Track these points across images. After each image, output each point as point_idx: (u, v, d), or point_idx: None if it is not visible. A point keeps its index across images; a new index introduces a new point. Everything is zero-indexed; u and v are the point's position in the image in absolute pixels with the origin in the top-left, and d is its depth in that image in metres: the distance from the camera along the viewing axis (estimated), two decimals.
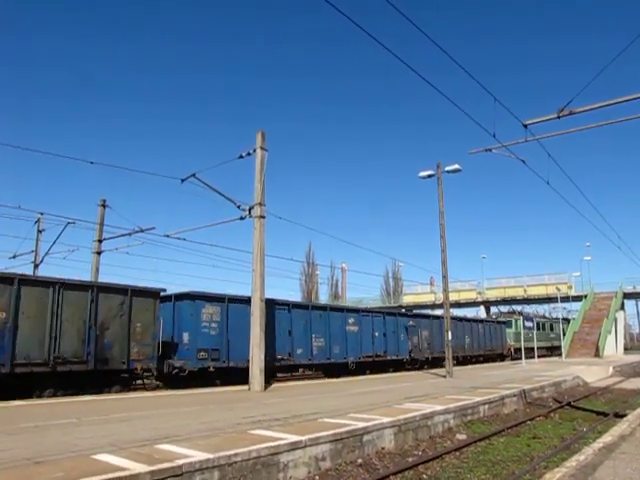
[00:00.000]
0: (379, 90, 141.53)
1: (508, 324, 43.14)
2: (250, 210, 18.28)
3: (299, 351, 22.45)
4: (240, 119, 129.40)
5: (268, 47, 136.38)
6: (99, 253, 24.92)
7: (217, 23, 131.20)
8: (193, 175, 18.86)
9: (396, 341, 28.73)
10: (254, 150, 18.61)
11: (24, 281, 14.66)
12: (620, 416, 12.33)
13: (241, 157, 18.86)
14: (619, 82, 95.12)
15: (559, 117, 11.62)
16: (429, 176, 22.19)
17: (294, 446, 7.60)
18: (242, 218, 18.56)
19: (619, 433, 8.85)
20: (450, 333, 22.18)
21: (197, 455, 6.53)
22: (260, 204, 18.10)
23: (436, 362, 30.41)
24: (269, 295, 19.21)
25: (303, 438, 7.82)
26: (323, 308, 25.02)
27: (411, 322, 30.39)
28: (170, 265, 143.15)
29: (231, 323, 19.46)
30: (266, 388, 17.24)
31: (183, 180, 19.13)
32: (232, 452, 6.78)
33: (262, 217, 18.07)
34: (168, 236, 21.32)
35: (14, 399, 13.40)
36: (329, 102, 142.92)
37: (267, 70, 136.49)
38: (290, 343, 22.06)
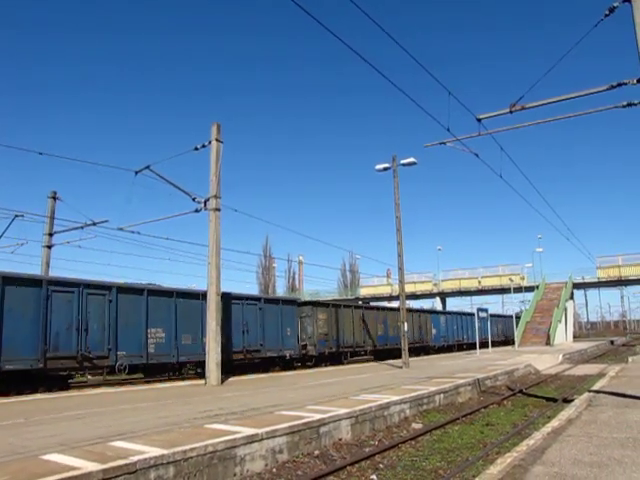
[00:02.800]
0: (335, 82, 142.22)
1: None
2: (205, 203, 18.11)
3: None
4: (197, 113, 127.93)
5: (224, 40, 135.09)
6: (49, 247, 24.27)
7: (172, 16, 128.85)
8: (147, 167, 18.54)
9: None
10: (209, 142, 18.42)
11: None
12: (568, 401, 12.77)
13: (196, 149, 18.64)
14: (572, 76, 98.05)
15: (511, 112, 11.88)
16: (385, 169, 22.38)
17: (251, 439, 7.60)
18: (197, 211, 18.38)
19: (566, 417, 9.17)
20: (406, 324, 22.50)
21: (152, 451, 6.46)
22: (216, 197, 17.94)
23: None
24: (225, 289, 19.10)
25: (260, 431, 7.82)
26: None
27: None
28: (124, 259, 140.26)
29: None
30: (223, 382, 17.16)
31: (137, 172, 18.80)
32: (188, 447, 6.74)
33: (217, 210, 17.93)
34: (121, 229, 20.90)
35: None
36: (285, 95, 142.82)
37: (224, 63, 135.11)
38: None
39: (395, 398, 11.62)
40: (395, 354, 29.26)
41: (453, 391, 14.35)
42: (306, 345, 25.39)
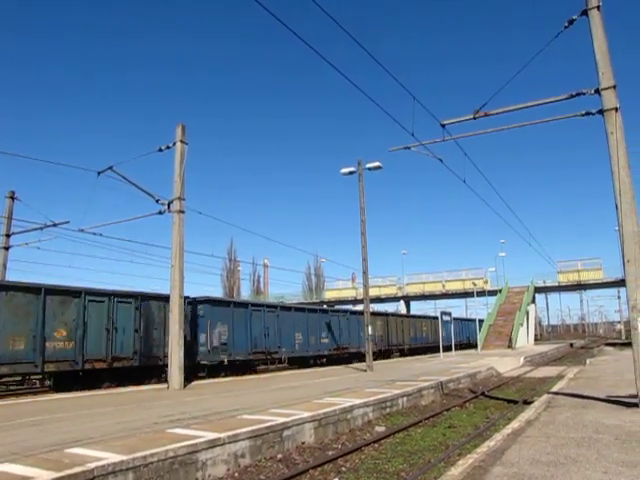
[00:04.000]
0: (300, 85, 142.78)
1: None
2: (169, 205, 17.93)
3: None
4: (162, 116, 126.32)
5: (189, 42, 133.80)
6: (7, 248, 23.67)
7: (137, 17, 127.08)
8: (110, 168, 18.26)
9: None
10: (174, 143, 18.25)
11: None
12: (528, 403, 13.03)
13: (160, 150, 18.45)
14: (536, 82, 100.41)
15: (475, 118, 12.13)
16: (350, 173, 22.53)
17: (213, 444, 7.54)
18: (161, 213, 18.19)
19: (526, 419, 9.37)
20: (370, 328, 22.64)
21: (111, 457, 6.35)
22: (180, 198, 17.78)
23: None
24: (189, 292, 18.94)
25: (222, 435, 7.77)
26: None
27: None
28: (85, 261, 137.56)
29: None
30: (186, 386, 16.98)
31: (100, 173, 18.49)
32: (148, 452, 6.64)
33: (181, 212, 17.76)
34: (83, 230, 20.52)
35: None
36: (251, 97, 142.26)
37: (189, 65, 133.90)
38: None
39: (358, 401, 11.67)
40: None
41: (416, 394, 14.50)
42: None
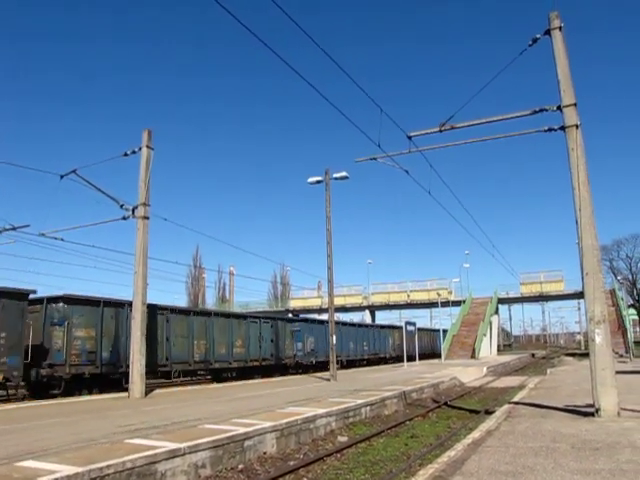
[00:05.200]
0: (267, 93, 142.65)
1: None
2: (134, 210, 17.71)
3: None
4: (128, 119, 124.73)
5: (156, 48, 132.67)
6: None
7: (101, 23, 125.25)
8: (74, 171, 17.94)
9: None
10: (140, 148, 18.06)
11: None
12: (490, 413, 13.22)
13: (126, 155, 18.24)
14: (503, 94, 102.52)
15: (441, 131, 12.30)
16: (317, 182, 22.64)
17: (172, 454, 7.44)
18: (125, 218, 17.94)
19: (486, 429, 9.50)
20: (334, 337, 22.70)
21: (64, 470, 6.19)
22: (144, 204, 17.58)
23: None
24: (153, 299, 18.70)
25: (182, 445, 7.67)
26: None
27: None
28: (46, 266, 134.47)
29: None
30: (147, 394, 16.72)
31: (62, 176, 18.13)
32: (104, 464, 6.51)
33: (146, 218, 17.56)
34: (44, 235, 20.03)
35: None
36: (217, 105, 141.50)
37: (155, 71, 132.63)
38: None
39: (321, 411, 11.67)
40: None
41: (379, 404, 14.56)
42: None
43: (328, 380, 22.04)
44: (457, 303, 58.43)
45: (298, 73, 9.38)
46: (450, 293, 61.36)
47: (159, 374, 21.96)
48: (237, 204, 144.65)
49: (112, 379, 19.29)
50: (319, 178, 22.68)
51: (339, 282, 64.41)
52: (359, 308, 67.65)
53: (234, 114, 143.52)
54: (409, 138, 12.45)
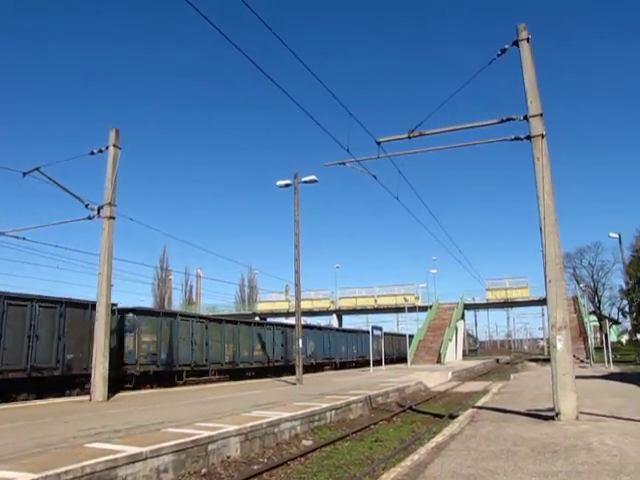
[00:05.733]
0: (236, 96, 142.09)
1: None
2: (99, 210, 17.46)
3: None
4: (96, 120, 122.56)
5: (126, 48, 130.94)
6: None
7: (69, 22, 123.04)
8: (37, 169, 17.57)
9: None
10: (106, 147, 17.83)
11: None
12: (453, 417, 13.37)
13: (92, 153, 18.00)
14: (473, 101, 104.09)
15: (410, 137, 12.44)
16: (286, 185, 22.68)
17: (134, 459, 7.34)
18: (90, 218, 17.67)
19: (450, 433, 9.63)
20: (301, 341, 22.71)
21: (19, 477, 6.04)
22: (110, 204, 17.35)
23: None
24: (118, 301, 18.47)
25: (144, 450, 7.58)
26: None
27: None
28: (8, 265, 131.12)
29: None
30: (110, 398, 16.46)
31: (25, 174, 17.75)
32: (62, 470, 6.38)
33: (112, 218, 17.33)
34: (3, 234, 19.57)
35: None
36: (189, 107, 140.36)
37: (125, 72, 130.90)
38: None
39: (286, 415, 11.66)
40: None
41: (345, 408, 14.61)
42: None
43: (294, 384, 22.02)
44: (424, 308, 59.04)
45: (268, 76, 9.39)
46: (417, 298, 61.99)
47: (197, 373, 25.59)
48: (205, 206, 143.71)
49: (167, 375, 23.05)
50: (288, 181, 22.71)
51: (307, 286, 64.50)
52: (326, 312, 67.81)
53: (204, 116, 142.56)
54: (378, 144, 12.57)
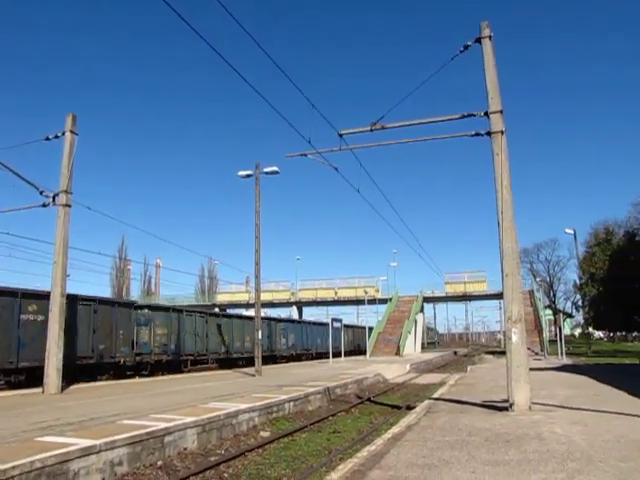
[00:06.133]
0: (197, 85, 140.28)
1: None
2: (54, 197, 17.02)
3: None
4: (50, 110, 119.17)
5: (80, 38, 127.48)
6: None
7: (28, 11, 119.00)
8: None
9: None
10: (63, 133, 17.38)
11: None
12: (411, 408, 13.57)
13: (47, 139, 17.54)
14: (436, 95, 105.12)
15: (372, 130, 12.49)
16: (248, 176, 22.57)
17: (87, 452, 7.22)
18: (45, 205, 17.23)
19: (407, 423, 9.77)
20: (260, 332, 22.67)
21: None
22: (66, 192, 16.95)
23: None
24: (74, 291, 18.04)
25: (98, 442, 7.46)
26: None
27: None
28: None
29: None
30: (64, 390, 16.12)
31: None
32: (9, 465, 6.19)
33: (67, 206, 16.94)
34: None
35: None
36: (150, 96, 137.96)
37: (79, 61, 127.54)
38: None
39: (244, 406, 11.65)
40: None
41: (303, 399, 14.67)
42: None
43: (253, 376, 21.98)
44: (384, 301, 59.53)
45: (230, 65, 9.28)
46: (377, 291, 62.46)
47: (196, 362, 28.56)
48: (165, 196, 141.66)
49: (176, 364, 26.47)
50: (249, 172, 22.60)
51: (267, 278, 64.28)
52: (287, 304, 67.78)
53: (164, 106, 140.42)
54: (340, 136, 12.58)
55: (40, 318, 18.11)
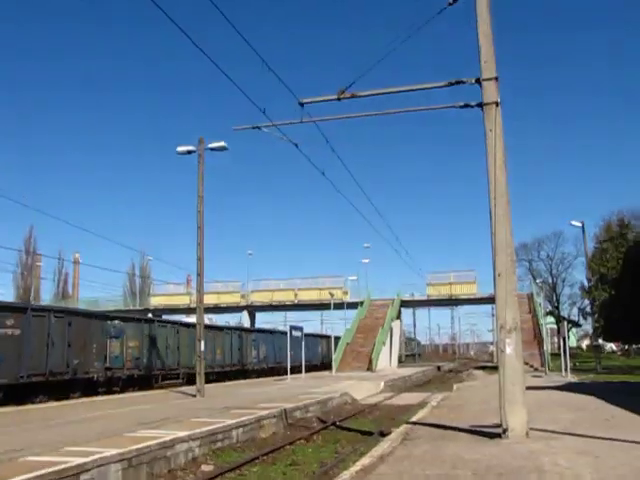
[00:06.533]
0: (132, 43, 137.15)
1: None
2: None
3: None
4: None
5: None
6: None
7: None
8: None
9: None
10: None
11: None
12: (384, 435, 13.63)
13: None
14: (416, 64, 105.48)
15: (339, 99, 12.39)
16: (189, 152, 22.29)
17: None
18: None
19: (379, 453, 9.80)
20: (202, 343, 22.50)
21: None
22: None
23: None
24: None
25: None
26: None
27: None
28: None
29: None
30: None
31: None
32: None
33: None
34: None
35: None
36: (68, 60, 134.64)
37: None
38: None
39: (182, 434, 11.54)
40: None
41: (255, 424, 14.63)
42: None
43: (194, 396, 21.82)
44: (353, 305, 59.63)
45: (167, 15, 9.09)
46: (345, 293, 62.60)
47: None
48: (86, 179, 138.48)
49: (147, 379, 28.95)
50: (191, 148, 22.32)
51: (213, 276, 63.95)
52: (236, 308, 67.42)
53: (93, 71, 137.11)
54: (301, 105, 12.44)
55: None
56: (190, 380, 31.12)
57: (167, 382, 30.36)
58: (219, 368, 36.32)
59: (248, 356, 41.22)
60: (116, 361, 26.21)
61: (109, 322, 26.49)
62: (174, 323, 33.04)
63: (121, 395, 25.21)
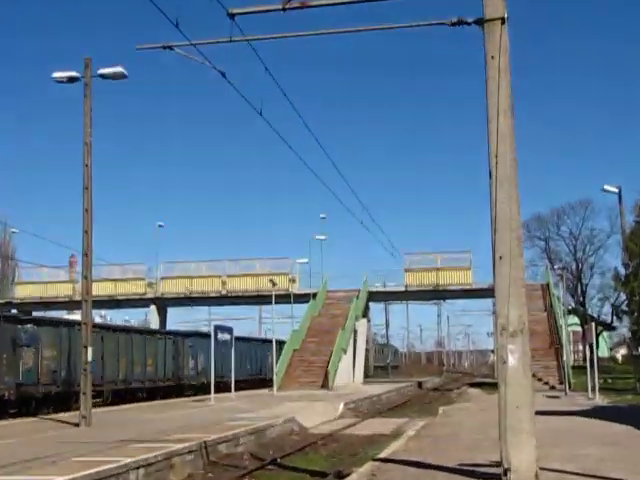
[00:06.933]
0: None
1: None
2: None
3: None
4: None
5: None
6: None
7: None
8: None
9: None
10: None
11: None
12: (343, 477, 13.77)
13: None
14: None
15: (284, 9, 12.22)
16: (70, 80, 21.91)
17: None
18: None
19: None
20: (90, 350, 22.29)
21: None
22: None
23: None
24: None
25: None
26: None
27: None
28: None
29: None
30: None
31: None
32: None
33: None
34: None
35: None
36: None
37: None
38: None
39: None
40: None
41: (162, 463, 14.61)
42: None
43: (77, 425, 21.62)
44: (303, 298, 59.54)
45: None
46: (293, 281, 62.22)
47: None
48: None
49: (66, 397, 29.83)
50: (74, 74, 21.95)
51: (107, 258, 63.09)
52: (140, 301, 66.81)
53: None
54: (231, 17, 12.25)
55: None
56: (116, 398, 34.10)
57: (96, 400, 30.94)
58: (150, 383, 38.94)
59: (184, 367, 43.92)
60: (29, 376, 27.37)
61: (20, 326, 27.79)
62: (96, 326, 32.45)
63: None
